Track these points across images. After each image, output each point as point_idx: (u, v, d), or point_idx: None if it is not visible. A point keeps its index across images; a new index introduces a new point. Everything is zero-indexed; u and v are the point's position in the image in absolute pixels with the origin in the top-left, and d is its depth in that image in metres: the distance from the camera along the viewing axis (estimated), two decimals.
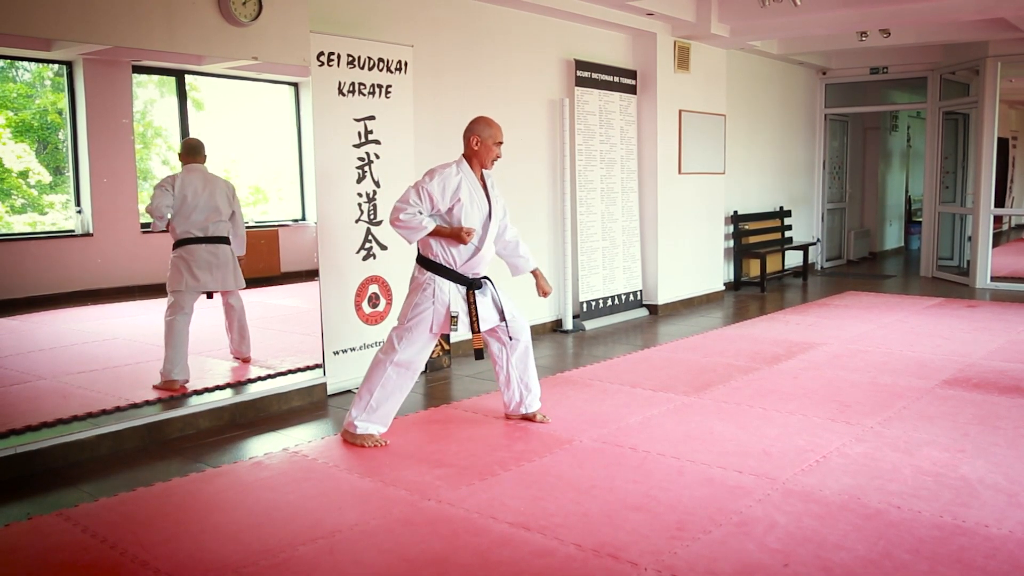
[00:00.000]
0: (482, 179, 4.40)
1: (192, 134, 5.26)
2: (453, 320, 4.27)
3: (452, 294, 4.29)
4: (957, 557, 2.99)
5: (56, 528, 3.40)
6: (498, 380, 4.67)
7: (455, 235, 4.23)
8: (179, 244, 5.02)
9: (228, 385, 5.08)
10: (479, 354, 4.44)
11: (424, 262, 4.34)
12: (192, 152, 5.07)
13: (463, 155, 4.37)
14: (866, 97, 12.18)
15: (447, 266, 4.29)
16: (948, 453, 4.06)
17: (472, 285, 4.33)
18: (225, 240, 5.17)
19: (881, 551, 3.04)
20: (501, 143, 4.39)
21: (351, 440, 4.35)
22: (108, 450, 4.34)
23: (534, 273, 4.66)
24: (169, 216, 4.94)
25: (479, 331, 4.34)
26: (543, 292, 4.65)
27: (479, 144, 4.31)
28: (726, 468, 3.91)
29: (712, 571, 2.92)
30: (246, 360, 5.42)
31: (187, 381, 4.95)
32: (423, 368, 4.49)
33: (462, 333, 4.43)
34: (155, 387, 4.87)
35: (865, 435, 4.36)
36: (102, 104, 4.90)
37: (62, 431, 4.24)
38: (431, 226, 4.21)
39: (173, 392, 4.84)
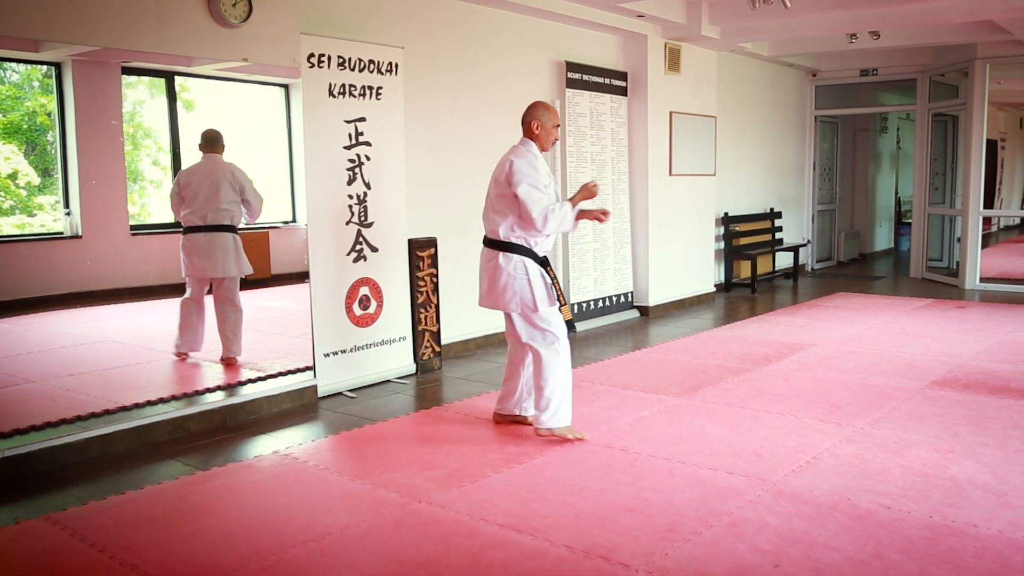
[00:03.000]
0: None
1: (183, 135, 5.30)
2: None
3: (535, 271, 4.34)
4: (946, 557, 3.00)
5: (45, 532, 3.38)
6: (506, 372, 4.68)
7: (589, 196, 4.34)
8: (184, 233, 5.20)
9: (219, 387, 5.06)
10: (571, 326, 4.46)
11: (505, 247, 4.33)
12: (208, 143, 5.23)
13: (525, 137, 4.42)
14: (856, 99, 12.22)
15: (527, 247, 4.33)
16: (937, 453, 4.07)
17: (543, 263, 4.40)
18: (227, 228, 5.26)
19: (871, 551, 3.05)
20: (559, 126, 4.46)
21: (564, 435, 4.35)
22: (97, 453, 4.32)
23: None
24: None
25: (566, 303, 4.41)
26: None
27: (539, 128, 4.40)
28: (717, 469, 3.91)
29: (703, 572, 2.92)
30: (233, 362, 5.39)
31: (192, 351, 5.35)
32: None
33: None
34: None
35: (855, 436, 4.37)
36: (91, 105, 4.88)
37: (51, 434, 4.22)
38: (574, 209, 4.32)
39: (183, 358, 5.32)
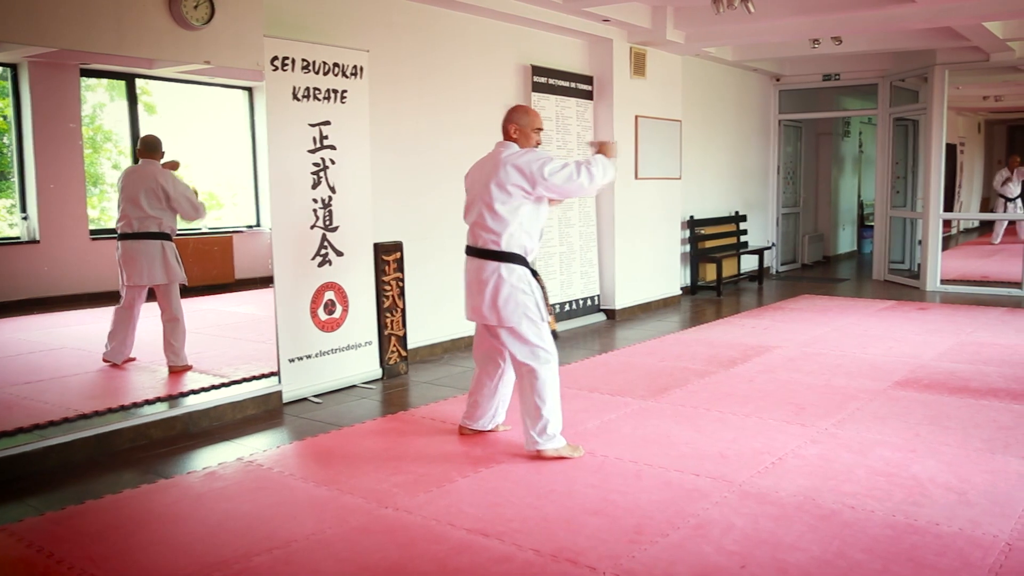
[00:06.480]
0: None
1: None
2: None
3: (534, 283, 4.16)
4: (909, 555, 3.03)
5: (0, 544, 3.30)
6: (476, 392, 4.48)
7: (611, 150, 4.27)
8: (118, 240, 5.09)
9: (181, 394, 4.99)
10: (555, 335, 4.27)
11: (506, 257, 4.09)
12: (144, 148, 5.10)
13: (506, 141, 4.24)
14: (819, 103, 12.38)
15: (524, 256, 4.13)
16: (900, 453, 4.12)
17: (535, 273, 4.20)
18: (155, 235, 5.11)
19: (835, 551, 3.08)
20: (540, 130, 4.29)
21: (567, 455, 4.15)
22: (56, 462, 4.23)
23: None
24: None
25: (552, 314, 4.24)
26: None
27: (517, 132, 4.21)
28: (683, 471, 3.93)
29: (670, 574, 2.93)
30: (180, 370, 5.28)
31: (127, 361, 5.16)
32: None
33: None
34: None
35: (820, 436, 4.41)
36: (49, 108, 4.79)
37: (7, 443, 4.12)
38: (605, 160, 4.16)
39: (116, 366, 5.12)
